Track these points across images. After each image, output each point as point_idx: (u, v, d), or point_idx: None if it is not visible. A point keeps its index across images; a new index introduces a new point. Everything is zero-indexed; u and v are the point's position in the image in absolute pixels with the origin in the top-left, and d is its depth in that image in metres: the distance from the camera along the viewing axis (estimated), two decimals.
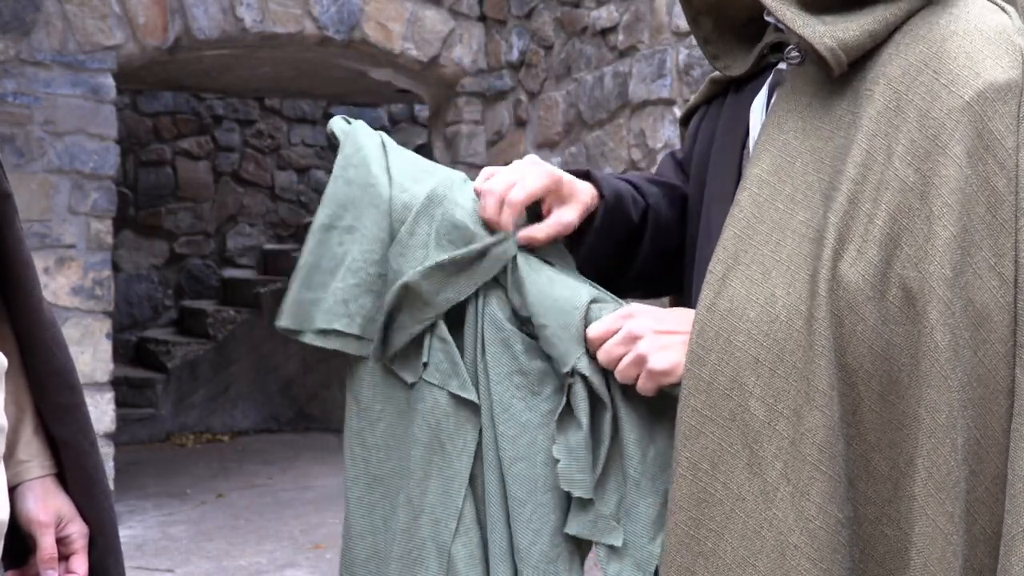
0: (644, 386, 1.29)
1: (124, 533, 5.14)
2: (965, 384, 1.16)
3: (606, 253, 1.50)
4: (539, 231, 1.38)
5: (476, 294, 1.37)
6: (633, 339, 1.30)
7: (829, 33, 1.24)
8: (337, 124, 1.44)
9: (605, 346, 1.31)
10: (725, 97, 1.51)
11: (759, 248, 1.25)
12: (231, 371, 8.56)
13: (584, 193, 1.42)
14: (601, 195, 1.45)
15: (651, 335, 1.30)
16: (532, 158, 1.42)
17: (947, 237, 1.16)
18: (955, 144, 1.19)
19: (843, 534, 1.19)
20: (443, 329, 1.37)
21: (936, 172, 1.18)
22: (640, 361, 1.29)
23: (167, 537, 5.49)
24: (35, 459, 1.39)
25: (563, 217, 1.39)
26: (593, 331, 1.32)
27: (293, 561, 5.10)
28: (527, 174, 1.38)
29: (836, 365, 1.18)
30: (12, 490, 1.38)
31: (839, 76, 1.27)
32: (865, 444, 1.20)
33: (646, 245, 1.55)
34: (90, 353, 5.51)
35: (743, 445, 1.21)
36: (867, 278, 1.18)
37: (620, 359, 1.30)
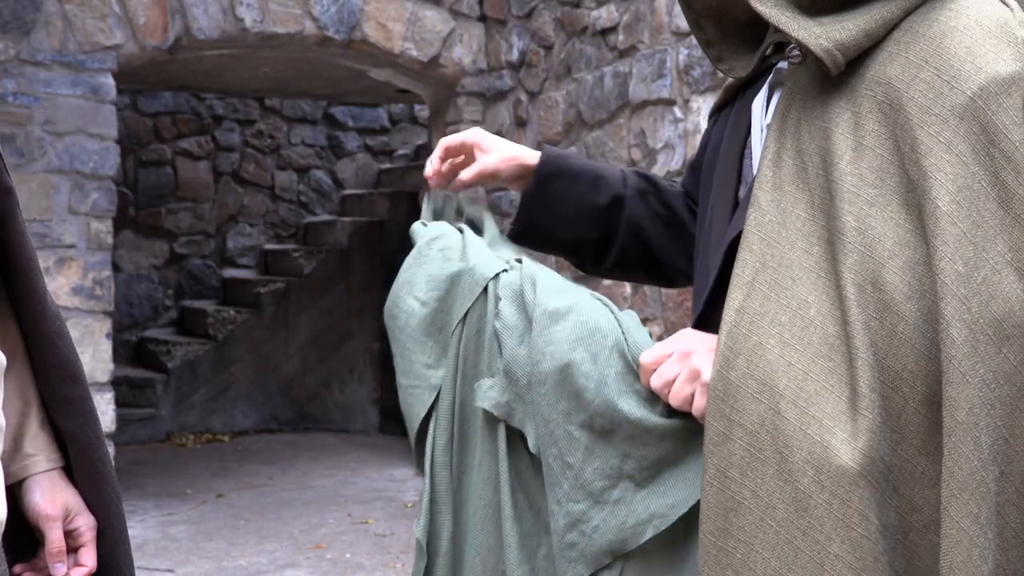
0: (700, 405, 1.26)
1: None
2: (990, 381, 1.12)
3: (562, 225, 1.59)
4: (464, 173, 1.61)
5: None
6: (685, 355, 1.28)
7: (825, 34, 1.23)
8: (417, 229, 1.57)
9: (660, 369, 1.29)
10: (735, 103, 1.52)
11: (786, 253, 1.23)
12: (231, 371, 8.55)
13: (517, 153, 1.62)
14: (541, 163, 1.61)
15: (704, 351, 1.28)
16: (473, 130, 1.63)
17: (956, 234, 1.15)
18: (959, 141, 1.17)
19: (882, 543, 1.15)
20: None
21: (941, 169, 1.17)
22: (695, 375, 1.27)
23: (167, 537, 5.49)
24: (42, 452, 1.38)
25: (483, 161, 1.61)
26: (646, 357, 1.31)
27: (293, 561, 5.10)
28: (452, 136, 1.64)
29: (877, 368, 1.16)
30: (19, 484, 1.38)
31: (840, 75, 1.27)
32: (911, 448, 1.16)
33: (623, 231, 1.61)
34: (90, 353, 5.52)
35: (773, 451, 1.17)
36: (904, 278, 1.16)
37: (675, 379, 1.28)
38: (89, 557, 1.39)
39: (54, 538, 1.37)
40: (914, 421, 1.16)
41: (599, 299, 1.42)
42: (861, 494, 1.14)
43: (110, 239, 5.65)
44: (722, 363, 1.21)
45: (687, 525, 1.32)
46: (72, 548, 1.39)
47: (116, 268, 8.32)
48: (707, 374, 1.26)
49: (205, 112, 9.43)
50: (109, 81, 5.65)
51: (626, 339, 1.34)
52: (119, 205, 6.34)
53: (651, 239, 1.62)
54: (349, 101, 9.50)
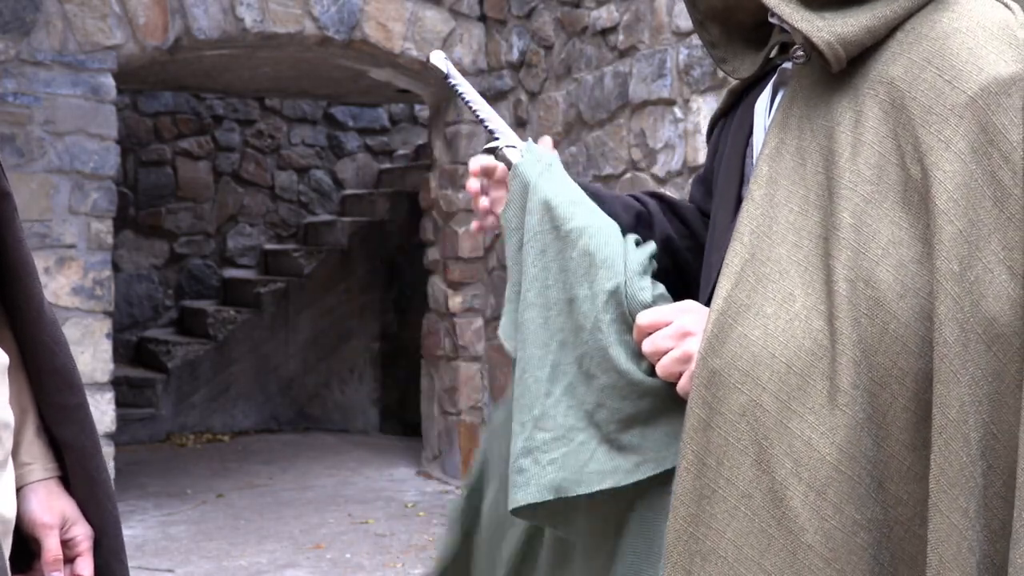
0: (684, 387, 1.27)
1: (125, 533, 5.13)
2: (979, 379, 1.14)
3: None
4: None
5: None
6: (683, 335, 1.28)
7: (828, 27, 1.24)
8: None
9: (653, 336, 1.29)
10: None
11: (775, 247, 1.24)
12: (231, 371, 8.55)
13: None
14: None
15: (701, 335, 1.27)
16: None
17: (952, 232, 1.16)
18: (959, 139, 1.18)
19: (861, 536, 1.17)
20: None
21: (940, 167, 1.18)
22: (687, 358, 1.27)
23: (167, 537, 5.49)
24: (38, 461, 1.37)
25: None
26: (644, 319, 1.30)
27: (293, 561, 5.09)
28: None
29: (862, 364, 1.17)
30: (16, 493, 1.35)
31: (843, 75, 1.28)
32: (898, 444, 1.18)
33: (657, 244, 1.57)
34: (90, 353, 5.51)
35: (751, 441, 1.19)
36: (897, 276, 1.18)
37: (665, 353, 1.28)
38: (86, 566, 1.37)
39: (51, 546, 1.35)
40: (902, 418, 1.18)
41: (609, 222, 1.38)
42: (838, 488, 1.16)
43: (110, 239, 5.65)
44: (707, 350, 1.22)
45: (632, 504, 1.32)
46: (69, 558, 1.38)
47: (116, 268, 8.32)
48: None
49: (205, 112, 9.43)
50: (109, 81, 5.65)
51: (627, 286, 1.32)
52: (119, 205, 6.34)
53: (680, 253, 1.59)
54: (349, 101, 9.50)
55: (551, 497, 1.32)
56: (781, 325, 1.21)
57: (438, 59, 1.51)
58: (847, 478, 1.16)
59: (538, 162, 1.42)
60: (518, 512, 1.34)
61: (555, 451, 1.31)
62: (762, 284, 1.23)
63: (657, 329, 1.29)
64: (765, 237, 1.25)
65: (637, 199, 1.61)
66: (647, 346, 1.29)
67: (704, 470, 1.20)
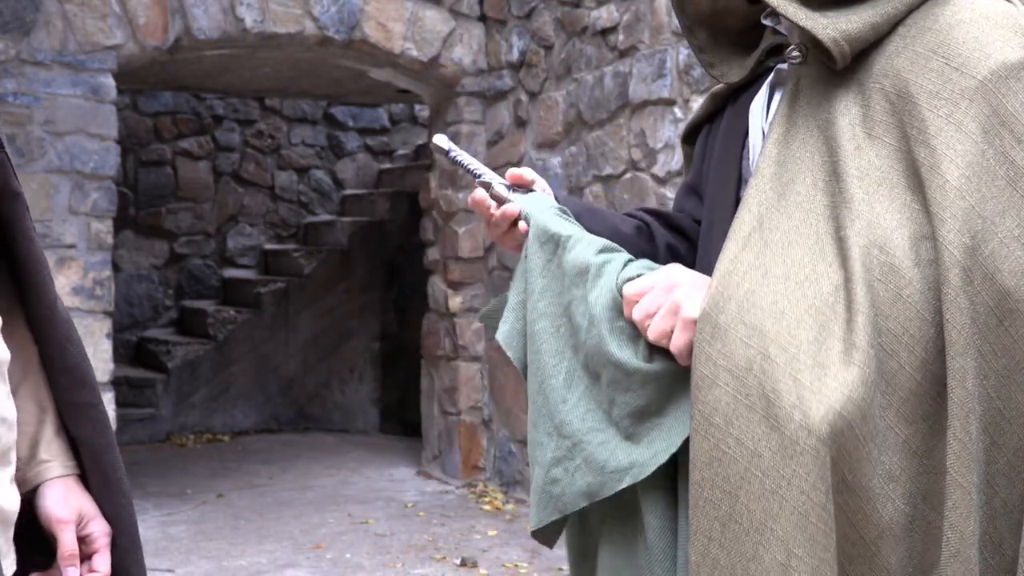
0: (678, 341, 1.24)
1: None
2: (987, 353, 1.14)
3: None
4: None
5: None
6: (670, 288, 1.27)
7: (832, 25, 1.26)
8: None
9: (642, 301, 1.28)
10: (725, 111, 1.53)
11: (783, 219, 1.24)
12: (231, 371, 8.56)
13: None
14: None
15: (688, 286, 1.27)
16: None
17: (966, 207, 1.16)
18: (970, 121, 1.20)
19: (843, 496, 1.15)
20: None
21: (951, 147, 1.19)
22: (675, 310, 1.25)
23: (167, 537, 5.49)
24: (56, 459, 1.37)
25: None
26: (630, 289, 1.29)
27: (293, 561, 5.10)
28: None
29: (874, 327, 1.15)
30: (34, 490, 1.36)
31: (846, 71, 1.29)
32: (897, 416, 1.16)
33: (662, 253, 1.57)
34: (90, 353, 5.49)
35: (760, 396, 1.15)
36: (912, 245, 1.18)
37: (656, 312, 1.26)
38: (103, 563, 1.37)
39: (66, 541, 1.34)
40: (905, 387, 1.16)
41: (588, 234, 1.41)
42: (843, 443, 1.13)
43: (110, 239, 5.65)
44: (712, 306, 1.20)
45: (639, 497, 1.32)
46: (86, 554, 1.37)
47: (116, 268, 8.32)
48: (687, 309, 1.24)
49: (205, 112, 9.43)
50: (109, 81, 5.65)
51: (619, 272, 1.33)
52: (119, 205, 6.34)
53: (684, 259, 1.58)
54: (349, 101, 9.50)
55: (585, 503, 1.33)
56: (791, 286, 1.19)
57: (441, 140, 1.54)
58: (855, 436, 1.13)
59: (540, 200, 1.46)
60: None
61: (577, 457, 1.32)
62: (770, 249, 1.22)
63: (644, 295, 1.29)
64: (773, 210, 1.25)
65: (634, 216, 1.61)
66: (637, 312, 1.28)
67: (712, 430, 1.17)
